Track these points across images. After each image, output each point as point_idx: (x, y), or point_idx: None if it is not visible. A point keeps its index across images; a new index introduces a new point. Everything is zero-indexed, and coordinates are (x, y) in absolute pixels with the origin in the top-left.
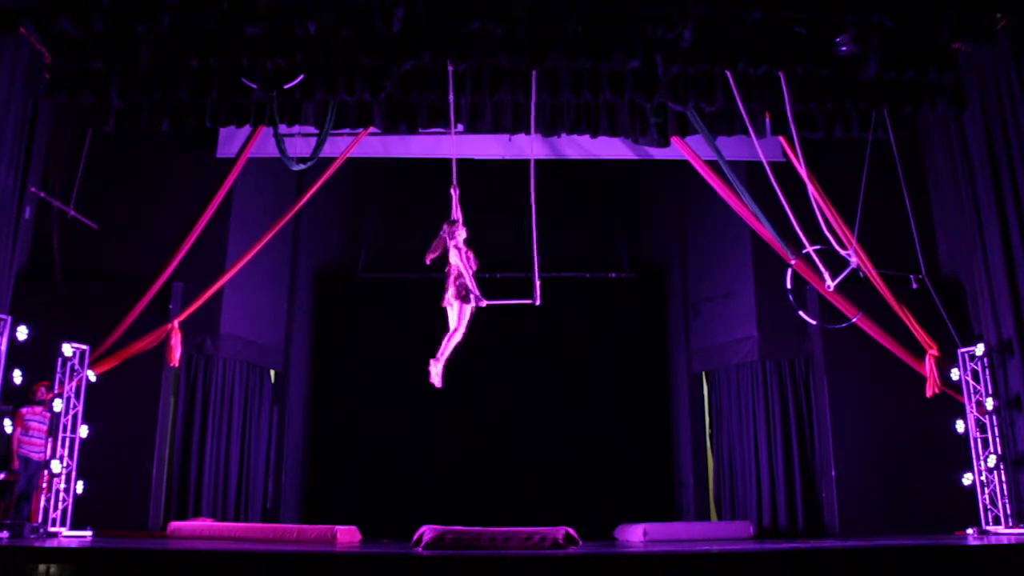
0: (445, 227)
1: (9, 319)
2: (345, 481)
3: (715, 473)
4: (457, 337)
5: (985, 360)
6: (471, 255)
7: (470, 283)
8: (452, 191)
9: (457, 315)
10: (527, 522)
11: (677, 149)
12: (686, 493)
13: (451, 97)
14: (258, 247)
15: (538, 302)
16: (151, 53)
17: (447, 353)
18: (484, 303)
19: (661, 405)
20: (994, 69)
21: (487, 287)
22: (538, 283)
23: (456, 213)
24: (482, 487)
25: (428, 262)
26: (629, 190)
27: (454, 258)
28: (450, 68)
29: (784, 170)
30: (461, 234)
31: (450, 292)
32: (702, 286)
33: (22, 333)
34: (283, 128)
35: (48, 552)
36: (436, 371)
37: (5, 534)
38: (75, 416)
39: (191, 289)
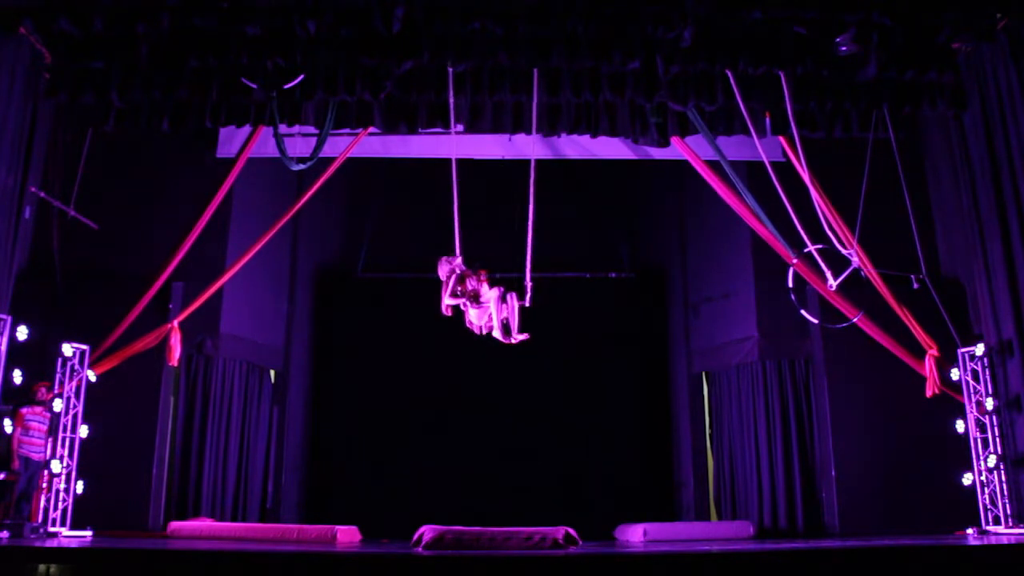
0: (442, 267)
1: (9, 319)
2: (345, 481)
3: (715, 473)
4: (506, 304)
5: (985, 360)
6: (473, 276)
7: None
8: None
9: (492, 308)
10: (527, 522)
11: (677, 149)
12: (686, 493)
13: (450, 97)
14: (258, 247)
15: (528, 303)
16: (151, 53)
17: (517, 324)
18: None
19: (661, 405)
20: (994, 69)
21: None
22: (530, 285)
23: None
24: (482, 487)
25: (447, 312)
26: (629, 190)
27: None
28: (450, 70)
29: (784, 170)
30: (458, 260)
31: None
32: (702, 286)
33: (22, 333)
34: (283, 128)
35: (48, 552)
36: (518, 336)
37: (5, 534)
38: (75, 416)
39: (191, 289)
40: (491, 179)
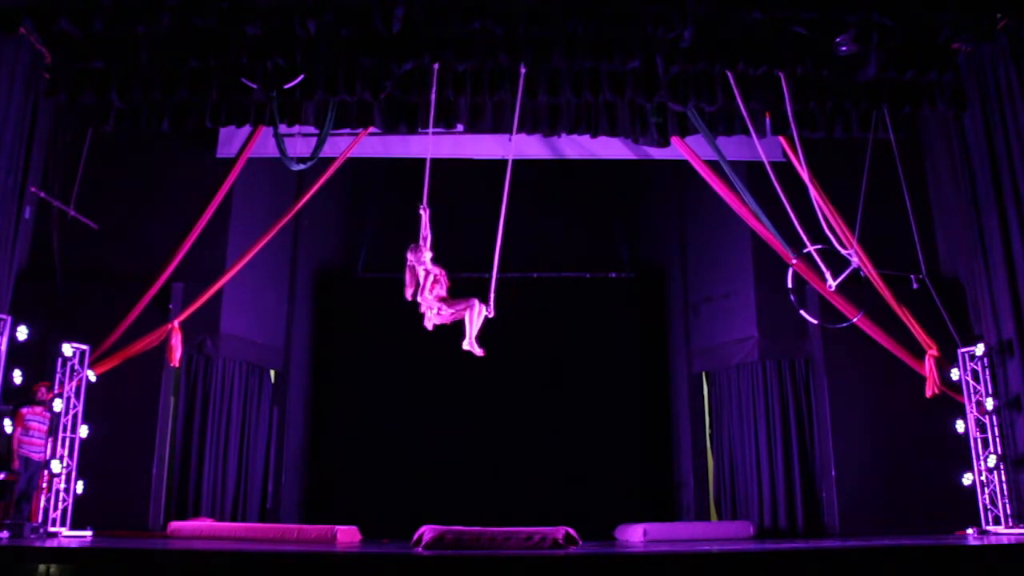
0: (411, 255)
1: (9, 319)
2: (345, 481)
3: (715, 473)
4: (477, 318)
5: (985, 360)
6: (443, 276)
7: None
8: (421, 211)
9: (463, 311)
10: (527, 522)
11: (677, 149)
12: (686, 493)
13: (432, 96)
14: (258, 247)
15: (491, 315)
16: (151, 53)
17: (476, 331)
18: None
19: (661, 405)
20: (994, 69)
21: (478, 287)
22: (492, 297)
23: (425, 231)
24: (482, 487)
25: (410, 298)
26: (629, 190)
27: (426, 291)
28: (435, 67)
29: (784, 170)
30: (427, 255)
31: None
32: (702, 286)
33: (22, 333)
34: (283, 128)
35: (48, 552)
36: (473, 347)
37: (5, 534)
38: (75, 416)
39: (191, 289)
40: (491, 179)
